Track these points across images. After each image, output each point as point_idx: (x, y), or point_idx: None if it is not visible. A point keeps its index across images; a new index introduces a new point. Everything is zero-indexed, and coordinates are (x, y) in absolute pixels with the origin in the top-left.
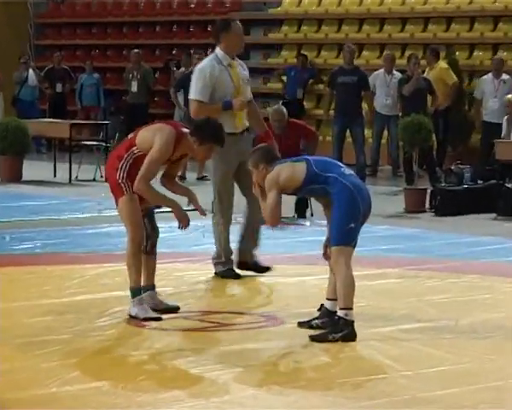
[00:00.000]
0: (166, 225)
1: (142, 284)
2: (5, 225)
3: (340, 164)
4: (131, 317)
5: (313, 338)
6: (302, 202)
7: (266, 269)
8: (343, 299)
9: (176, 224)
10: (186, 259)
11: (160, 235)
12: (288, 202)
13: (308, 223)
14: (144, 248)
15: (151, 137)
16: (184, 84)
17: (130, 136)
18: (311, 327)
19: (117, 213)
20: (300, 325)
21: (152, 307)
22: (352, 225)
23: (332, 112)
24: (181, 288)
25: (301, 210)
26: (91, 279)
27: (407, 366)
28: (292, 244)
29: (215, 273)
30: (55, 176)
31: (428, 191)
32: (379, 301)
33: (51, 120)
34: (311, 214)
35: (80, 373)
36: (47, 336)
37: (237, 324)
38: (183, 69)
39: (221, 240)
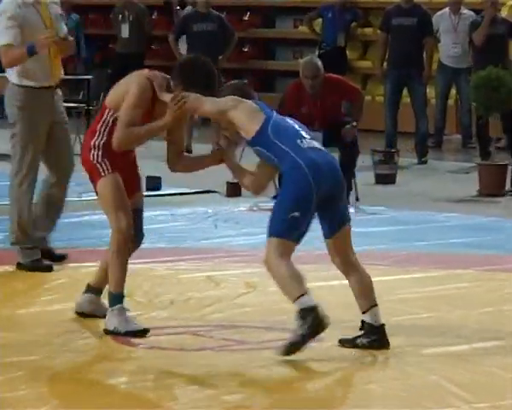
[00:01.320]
0: (168, 213)
1: (95, 284)
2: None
3: (302, 132)
4: (108, 332)
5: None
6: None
7: (62, 258)
8: (290, 295)
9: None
10: (193, 256)
11: (161, 226)
12: None
13: (352, 209)
14: None
15: (123, 88)
16: (186, 28)
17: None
18: (356, 346)
19: None
20: (343, 343)
21: (92, 312)
22: (296, 213)
23: (385, 64)
24: (186, 295)
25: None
26: (69, 283)
27: (481, 397)
28: None
29: (18, 265)
30: None
31: (510, 168)
32: (446, 312)
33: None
34: (357, 199)
35: (53, 406)
36: (9, 358)
37: (255, 341)
38: (189, 8)
39: (23, 208)
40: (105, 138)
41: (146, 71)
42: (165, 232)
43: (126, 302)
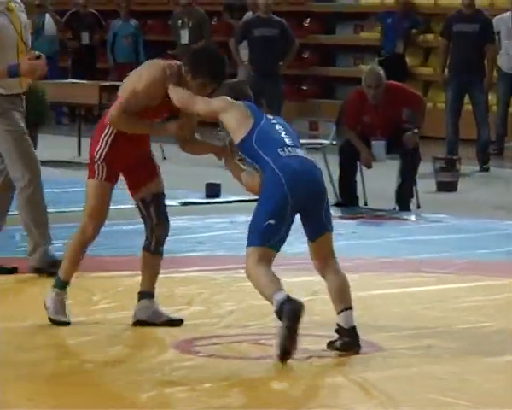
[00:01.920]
0: (227, 220)
1: (144, 288)
2: (15, 220)
3: (287, 140)
4: (46, 307)
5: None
6: (405, 190)
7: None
8: (270, 300)
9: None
10: None
11: (219, 233)
12: (387, 190)
13: (413, 217)
14: (148, 246)
15: (136, 77)
16: (247, 33)
17: None
18: (335, 349)
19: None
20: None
21: (147, 319)
22: (272, 221)
23: (446, 71)
24: (245, 303)
25: (404, 200)
26: (127, 291)
27: None
28: (392, 245)
29: None
30: (79, 155)
31: None
32: (509, 321)
33: (75, 81)
34: (418, 206)
35: None
36: (69, 368)
37: (316, 350)
38: (249, 14)
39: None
40: (114, 134)
41: (163, 62)
42: (224, 240)
43: (185, 310)
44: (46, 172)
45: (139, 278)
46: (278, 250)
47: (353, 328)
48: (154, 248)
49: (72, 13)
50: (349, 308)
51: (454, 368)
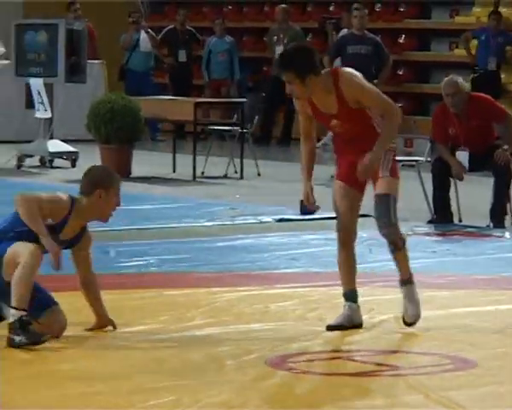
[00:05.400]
0: (322, 236)
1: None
2: (109, 236)
3: None
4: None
5: None
6: (499, 207)
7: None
8: None
9: None
10: None
11: (315, 250)
12: (481, 207)
13: (508, 234)
14: None
15: None
16: (342, 50)
17: None
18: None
19: (256, 222)
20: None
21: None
22: None
23: None
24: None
25: (498, 217)
26: (223, 307)
27: None
28: (486, 262)
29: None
30: (174, 171)
31: None
32: None
33: (170, 97)
34: None
35: None
36: (165, 382)
37: (415, 367)
38: (345, 31)
39: None
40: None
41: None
42: (319, 256)
43: (279, 326)
44: (142, 188)
45: (235, 294)
46: None
47: None
48: None
49: (169, 30)
50: None
51: None
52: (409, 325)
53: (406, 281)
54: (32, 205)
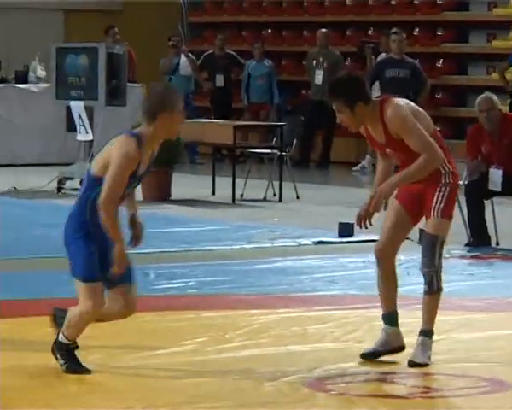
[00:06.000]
0: (360, 259)
1: None
2: (149, 258)
3: None
4: None
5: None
6: None
7: None
8: None
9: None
10: None
11: (352, 272)
12: (506, 228)
13: None
14: None
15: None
16: (380, 74)
17: None
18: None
19: (294, 245)
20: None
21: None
22: None
23: None
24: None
25: None
26: (261, 329)
27: None
28: None
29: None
30: (213, 194)
31: None
32: None
33: (209, 120)
34: None
35: None
36: (203, 403)
37: (452, 389)
38: (383, 55)
39: None
40: None
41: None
42: (357, 279)
43: (317, 349)
44: (182, 211)
45: (273, 316)
46: None
47: None
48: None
49: (208, 55)
50: None
51: None
52: (411, 366)
53: (427, 332)
54: (110, 210)
